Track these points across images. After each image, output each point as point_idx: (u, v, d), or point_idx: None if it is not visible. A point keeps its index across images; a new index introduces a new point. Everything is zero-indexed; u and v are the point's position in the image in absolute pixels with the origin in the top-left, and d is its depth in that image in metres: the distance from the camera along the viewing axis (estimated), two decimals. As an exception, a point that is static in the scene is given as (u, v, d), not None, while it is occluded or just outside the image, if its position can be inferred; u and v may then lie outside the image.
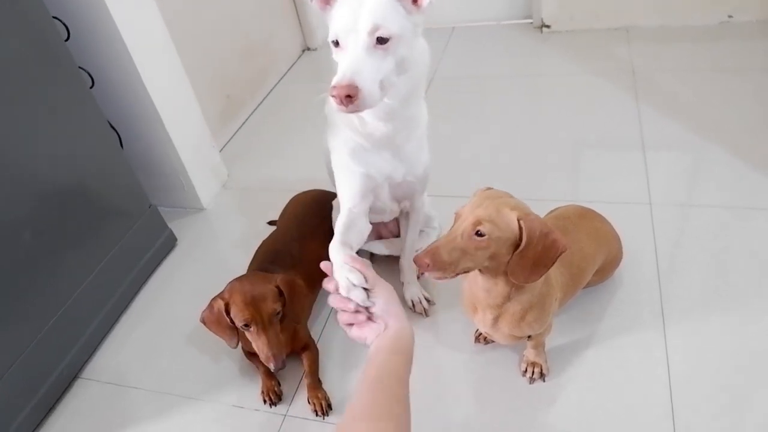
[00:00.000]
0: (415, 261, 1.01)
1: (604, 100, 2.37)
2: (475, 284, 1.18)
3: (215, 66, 2.47)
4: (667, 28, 2.77)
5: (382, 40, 1.02)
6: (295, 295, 1.39)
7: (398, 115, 1.20)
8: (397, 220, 1.70)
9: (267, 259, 1.57)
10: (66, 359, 1.57)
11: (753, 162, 1.89)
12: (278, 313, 1.34)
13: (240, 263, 1.66)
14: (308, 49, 3.28)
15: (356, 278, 0.98)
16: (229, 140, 2.58)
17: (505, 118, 2.40)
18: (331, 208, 1.70)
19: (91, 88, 1.74)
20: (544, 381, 1.38)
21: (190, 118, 2.07)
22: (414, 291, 1.62)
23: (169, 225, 2.00)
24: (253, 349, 1.43)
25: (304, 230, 1.66)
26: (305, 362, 1.46)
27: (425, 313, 1.60)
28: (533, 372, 1.38)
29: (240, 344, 1.41)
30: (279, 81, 3.01)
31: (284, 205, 1.81)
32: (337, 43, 1.05)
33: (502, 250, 1.02)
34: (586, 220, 1.45)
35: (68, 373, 1.59)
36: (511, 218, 1.00)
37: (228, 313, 1.33)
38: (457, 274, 1.05)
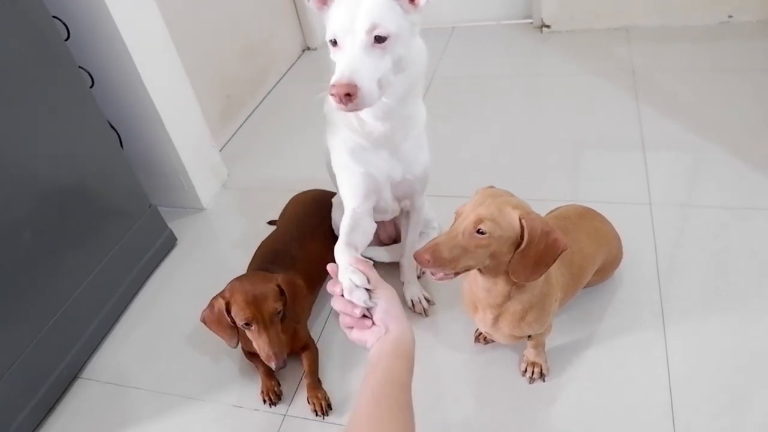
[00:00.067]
0: (415, 257, 1.01)
1: (604, 100, 2.37)
2: (476, 284, 1.18)
3: (215, 66, 2.47)
4: (667, 28, 2.77)
5: (379, 39, 1.02)
6: (295, 294, 1.39)
7: (396, 114, 1.20)
8: (396, 225, 1.70)
9: (267, 259, 1.57)
10: (66, 359, 1.57)
11: (753, 162, 1.89)
12: (279, 313, 1.34)
13: (240, 263, 1.66)
14: (308, 48, 3.28)
15: (359, 279, 0.98)
16: (229, 140, 2.58)
17: (505, 118, 2.40)
18: (331, 208, 1.70)
19: (91, 87, 1.74)
20: (544, 381, 1.38)
21: (190, 118, 2.07)
22: (414, 291, 1.62)
23: (169, 225, 2.00)
24: (253, 348, 1.43)
25: (304, 230, 1.66)
26: (305, 362, 1.46)
27: (425, 312, 1.60)
28: (533, 372, 1.38)
29: (240, 344, 1.41)
30: (279, 81, 3.01)
31: (284, 205, 1.81)
32: (335, 43, 1.06)
33: (503, 249, 1.02)
34: (586, 219, 1.45)
35: (68, 373, 1.59)
36: (513, 217, 1.01)
37: (229, 312, 1.33)
38: (457, 274, 1.05)
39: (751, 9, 2.65)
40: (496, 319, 1.20)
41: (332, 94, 0.99)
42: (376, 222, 1.39)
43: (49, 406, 1.53)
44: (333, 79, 1.00)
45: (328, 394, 1.43)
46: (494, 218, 0.99)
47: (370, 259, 1.70)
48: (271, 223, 1.92)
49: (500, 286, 1.12)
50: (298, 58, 3.21)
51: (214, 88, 2.46)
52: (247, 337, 1.38)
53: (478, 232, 0.99)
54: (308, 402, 1.41)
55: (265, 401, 1.44)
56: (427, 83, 2.65)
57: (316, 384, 1.43)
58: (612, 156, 2.06)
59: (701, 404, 1.28)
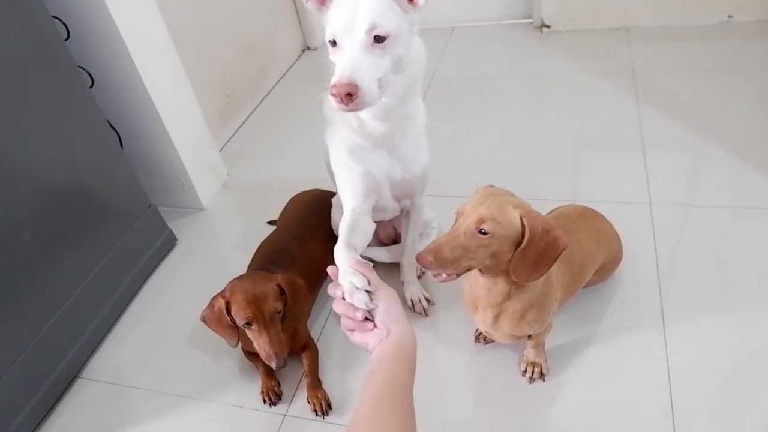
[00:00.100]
0: (417, 259, 1.01)
1: (604, 100, 2.37)
2: (476, 283, 1.18)
3: (215, 66, 2.47)
4: (667, 28, 2.77)
5: (379, 39, 1.02)
6: (295, 294, 1.39)
7: (395, 114, 1.20)
8: (394, 226, 1.70)
9: (267, 259, 1.57)
10: (66, 359, 1.57)
11: (753, 162, 1.89)
12: (279, 312, 1.34)
13: (240, 263, 1.66)
14: (308, 48, 3.28)
15: (359, 281, 0.98)
16: (229, 140, 2.58)
17: (505, 118, 2.40)
18: (330, 207, 1.70)
19: (90, 87, 1.74)
20: (543, 381, 1.38)
21: (190, 118, 2.07)
22: (414, 290, 1.62)
23: (169, 225, 2.00)
24: (253, 348, 1.43)
25: (304, 230, 1.66)
26: (305, 362, 1.46)
27: (425, 312, 1.60)
28: (533, 372, 1.38)
29: (240, 344, 1.41)
30: (279, 80, 3.01)
31: (284, 205, 1.81)
32: (334, 43, 1.06)
33: (504, 248, 1.02)
34: (586, 219, 1.45)
35: (68, 372, 1.59)
36: (514, 216, 1.01)
37: (229, 311, 1.33)
38: (459, 275, 1.05)
39: (751, 9, 2.65)
40: (496, 319, 1.20)
41: (333, 95, 1.00)
42: (375, 222, 1.40)
43: (48, 406, 1.53)
44: (333, 79, 1.00)
45: (328, 394, 1.43)
46: (495, 218, 0.99)
47: (370, 259, 1.72)
48: (271, 222, 1.92)
49: (500, 285, 1.12)
50: (298, 57, 3.21)
51: (214, 87, 2.46)
52: (247, 337, 1.38)
53: (480, 232, 0.99)
54: (308, 402, 1.41)
55: (265, 401, 1.44)
56: (427, 83, 2.65)
57: (316, 384, 1.43)
58: (612, 156, 2.06)
59: (701, 404, 1.28)
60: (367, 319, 0.97)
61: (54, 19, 1.54)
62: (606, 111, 2.31)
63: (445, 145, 2.20)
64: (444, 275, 1.04)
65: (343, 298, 0.98)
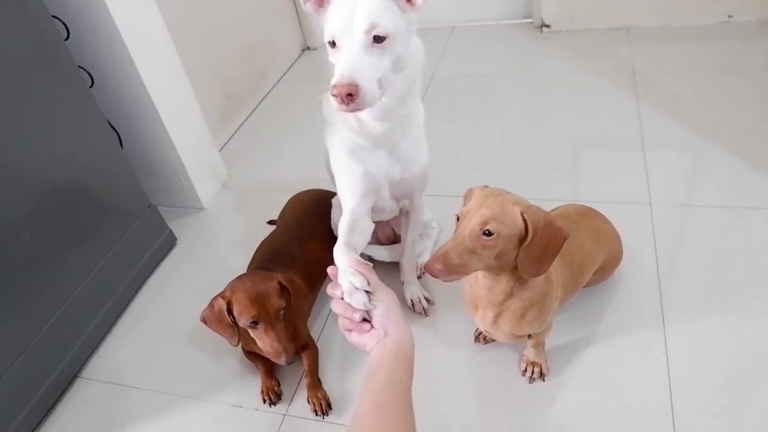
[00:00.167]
0: (426, 268, 1.01)
1: (604, 100, 2.37)
2: (476, 282, 1.18)
3: (215, 66, 2.47)
4: (667, 28, 2.77)
5: (378, 39, 1.02)
6: (295, 292, 1.39)
7: (395, 114, 1.21)
8: (393, 227, 1.70)
9: (266, 259, 1.57)
10: (66, 359, 1.57)
11: (753, 162, 1.89)
12: (283, 310, 1.34)
13: (240, 263, 1.66)
14: (308, 48, 3.29)
15: (358, 281, 0.98)
16: (229, 140, 2.58)
17: (505, 117, 2.40)
18: (330, 207, 1.70)
19: (90, 87, 1.74)
20: (543, 380, 1.38)
21: (190, 118, 2.07)
22: (414, 290, 1.62)
23: (169, 224, 2.00)
24: (253, 348, 1.43)
25: (303, 230, 1.66)
26: (305, 362, 1.46)
27: (425, 312, 1.60)
28: (533, 371, 1.38)
29: (240, 343, 1.41)
30: (279, 80, 3.01)
31: (284, 205, 1.81)
32: (333, 44, 1.06)
33: (509, 246, 1.02)
34: (586, 219, 1.45)
35: (68, 372, 1.59)
36: (516, 213, 1.01)
37: (230, 312, 1.33)
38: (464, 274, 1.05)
39: (751, 9, 2.65)
40: (497, 318, 1.20)
41: (333, 95, 1.00)
42: (374, 222, 1.40)
43: (48, 406, 1.53)
44: (334, 80, 1.00)
45: (328, 393, 1.43)
46: (498, 217, 0.99)
47: (370, 258, 1.72)
48: (270, 222, 1.92)
49: (503, 283, 1.12)
50: (298, 57, 3.21)
51: (214, 87, 2.46)
52: (247, 337, 1.38)
53: (485, 233, 0.99)
54: (308, 402, 1.41)
55: (265, 401, 1.44)
56: (426, 83, 2.65)
57: (316, 384, 1.43)
58: (612, 156, 2.06)
59: (701, 404, 1.28)
60: (364, 320, 0.97)
61: (54, 18, 1.54)
62: (606, 111, 2.31)
63: (444, 145, 2.20)
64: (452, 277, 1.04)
65: (342, 298, 0.98)
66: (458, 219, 1.04)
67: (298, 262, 1.55)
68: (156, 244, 1.92)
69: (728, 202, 1.76)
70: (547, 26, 2.95)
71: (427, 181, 1.45)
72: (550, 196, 1.84)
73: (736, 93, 2.26)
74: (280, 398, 1.45)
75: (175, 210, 2.16)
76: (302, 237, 1.63)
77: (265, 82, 2.91)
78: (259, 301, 1.31)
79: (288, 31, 3.11)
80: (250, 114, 2.75)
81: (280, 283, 1.36)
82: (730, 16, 2.69)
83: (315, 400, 1.40)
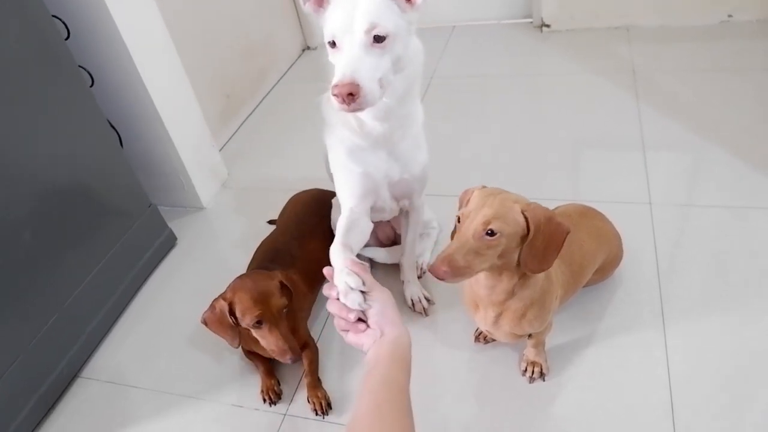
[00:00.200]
0: (432, 271, 1.01)
1: (605, 99, 2.37)
2: (477, 282, 1.18)
3: (215, 66, 2.47)
4: (667, 28, 2.77)
5: (378, 39, 1.02)
6: (295, 291, 1.39)
7: (395, 114, 1.21)
8: (393, 227, 1.70)
9: (266, 258, 1.57)
10: (66, 358, 1.57)
11: (753, 162, 1.89)
12: (285, 308, 1.34)
13: (240, 262, 1.66)
14: (308, 48, 3.28)
15: (354, 281, 0.98)
16: (229, 139, 2.58)
17: (506, 117, 2.40)
18: (330, 207, 1.70)
19: (90, 87, 1.74)
20: (543, 380, 1.38)
21: (190, 118, 2.07)
22: (414, 290, 1.62)
23: (169, 224, 2.00)
24: (252, 348, 1.43)
25: (303, 229, 1.66)
26: (305, 361, 1.46)
27: (425, 312, 1.60)
28: (533, 371, 1.38)
29: (240, 343, 1.41)
30: (279, 80, 3.01)
31: (284, 205, 1.81)
32: (333, 44, 1.06)
33: (512, 245, 1.03)
34: (586, 218, 1.45)
35: (68, 372, 1.59)
36: (516, 211, 1.01)
37: (232, 313, 1.33)
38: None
39: (751, 8, 2.65)
40: (498, 318, 1.20)
41: (335, 95, 1.00)
42: (374, 222, 1.40)
43: (48, 405, 1.53)
44: (334, 80, 1.00)
45: (328, 393, 1.43)
46: (500, 216, 1.00)
47: (369, 259, 1.72)
48: (271, 222, 1.92)
49: (504, 283, 1.12)
50: (298, 57, 3.21)
51: (214, 87, 2.46)
52: (247, 337, 1.38)
53: (488, 233, 0.99)
54: (308, 401, 1.41)
55: (264, 400, 1.44)
56: (426, 82, 2.65)
57: (315, 383, 1.43)
58: (612, 155, 2.06)
59: (701, 404, 1.28)
60: (360, 320, 0.97)
61: (54, 18, 1.54)
62: (606, 110, 2.31)
63: (444, 145, 2.20)
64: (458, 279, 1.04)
65: (338, 299, 0.99)
66: (459, 221, 1.05)
67: (297, 262, 1.55)
68: (156, 244, 1.92)
69: (728, 202, 1.76)
70: (547, 26, 2.95)
71: (426, 181, 1.45)
72: (550, 196, 1.83)
73: (736, 93, 2.26)
74: (280, 398, 1.45)
75: (175, 210, 2.16)
76: (302, 237, 1.63)
77: (265, 82, 2.91)
78: (261, 300, 1.31)
79: (288, 31, 3.11)
80: (250, 114, 2.75)
81: (281, 282, 1.36)
82: (730, 16, 2.69)
83: (315, 400, 1.40)
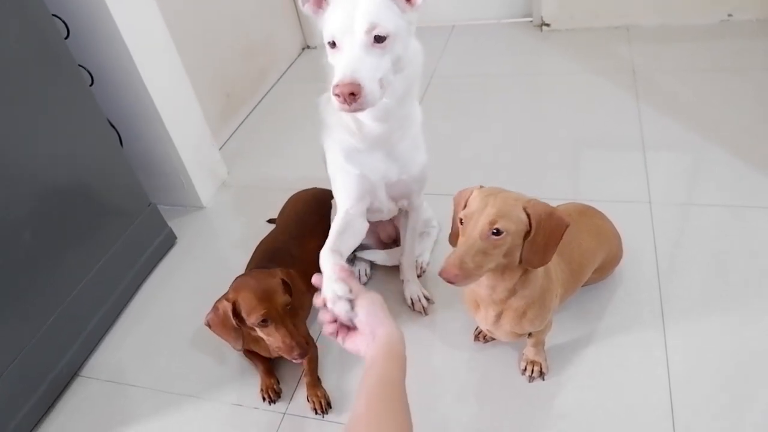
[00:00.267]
0: (443, 276, 1.01)
1: (605, 99, 2.37)
2: (478, 282, 1.17)
3: (215, 65, 2.47)
4: (667, 27, 2.77)
5: (379, 39, 1.02)
6: (294, 288, 1.39)
7: (394, 115, 1.21)
8: (395, 225, 1.70)
9: (266, 258, 1.57)
10: (65, 357, 1.57)
11: (753, 162, 1.89)
12: (288, 305, 1.34)
13: (239, 261, 1.66)
14: (308, 47, 3.28)
15: (341, 289, 0.99)
16: (229, 138, 2.58)
17: (506, 116, 2.40)
18: (330, 206, 1.70)
19: (90, 86, 1.73)
20: (543, 380, 1.38)
21: (190, 117, 2.07)
22: (414, 289, 1.62)
23: (169, 223, 2.00)
24: (252, 347, 1.43)
25: (303, 229, 1.66)
26: (304, 360, 1.46)
27: (424, 311, 1.60)
28: (533, 370, 1.38)
29: (243, 345, 1.40)
30: (279, 79, 3.01)
31: (284, 204, 1.81)
32: (333, 45, 1.06)
33: (516, 243, 1.03)
34: (586, 217, 1.45)
35: (68, 371, 1.59)
36: (519, 209, 1.02)
37: (235, 313, 1.32)
38: None
39: (751, 8, 2.65)
40: (498, 317, 1.20)
41: (336, 94, 1.00)
42: (374, 222, 1.40)
43: (48, 404, 1.53)
44: (335, 79, 1.00)
45: (328, 392, 1.43)
46: (505, 215, 1.00)
47: (370, 261, 1.72)
48: (270, 221, 1.92)
49: (506, 281, 1.12)
50: (298, 56, 3.21)
51: (214, 86, 2.46)
52: (247, 336, 1.38)
53: (495, 233, 0.99)
54: (308, 400, 1.42)
55: (264, 399, 1.44)
56: (426, 82, 2.65)
57: (315, 382, 1.44)
58: (612, 155, 2.06)
59: (701, 404, 1.28)
60: (345, 325, 0.99)
61: (54, 17, 1.54)
62: (606, 110, 2.31)
63: (445, 144, 2.20)
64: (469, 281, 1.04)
65: (325, 306, 1.00)
66: (461, 222, 1.05)
67: (297, 262, 1.55)
68: (156, 243, 1.92)
69: (728, 202, 1.76)
70: (547, 25, 2.95)
71: (425, 181, 1.45)
72: (550, 195, 1.82)
73: (736, 93, 2.26)
74: (279, 396, 1.45)
75: (175, 209, 2.16)
76: (302, 236, 1.63)
77: (265, 81, 2.90)
78: (266, 298, 1.30)
79: (288, 31, 3.11)
80: (250, 113, 2.75)
81: (282, 279, 1.36)
82: (730, 15, 2.69)
83: (315, 399, 1.40)
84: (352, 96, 0.99)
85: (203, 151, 2.15)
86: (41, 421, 1.50)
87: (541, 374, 1.38)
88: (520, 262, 1.07)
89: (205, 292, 1.40)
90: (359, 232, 1.37)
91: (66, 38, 1.66)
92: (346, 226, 1.31)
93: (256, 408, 1.45)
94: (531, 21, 3.06)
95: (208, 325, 1.36)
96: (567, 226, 1.05)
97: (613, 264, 1.52)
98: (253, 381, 1.49)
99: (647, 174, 1.92)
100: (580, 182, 1.97)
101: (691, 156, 1.98)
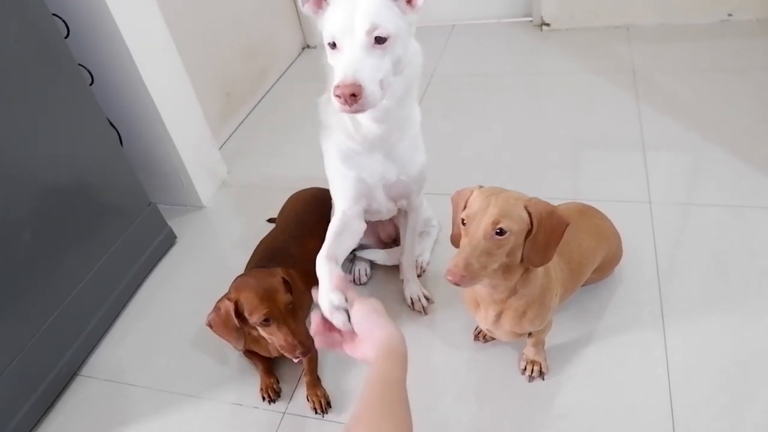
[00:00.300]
0: (449, 278, 1.00)
1: (605, 98, 2.37)
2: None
3: (216, 65, 2.47)
4: (667, 27, 2.77)
5: (379, 40, 1.02)
6: (295, 287, 1.39)
7: (393, 116, 1.21)
8: (395, 225, 1.70)
9: (265, 257, 1.57)
10: (65, 357, 1.57)
11: (753, 162, 1.89)
12: (290, 304, 1.34)
13: (239, 261, 1.66)
14: (308, 46, 3.28)
15: (337, 299, 1.00)
16: (229, 138, 2.58)
17: (506, 116, 2.40)
18: (330, 206, 1.69)
19: (90, 85, 1.73)
20: (543, 379, 1.38)
21: (190, 117, 2.07)
22: (413, 289, 1.62)
23: (169, 223, 2.00)
24: (252, 347, 1.43)
25: (303, 228, 1.66)
26: (304, 360, 1.46)
27: (424, 311, 1.60)
28: (533, 370, 1.38)
29: (244, 345, 1.40)
30: (279, 78, 3.01)
31: (284, 203, 1.80)
32: (333, 46, 1.05)
33: (518, 242, 1.04)
34: (586, 217, 1.45)
35: (67, 370, 1.58)
36: (521, 208, 1.02)
37: (238, 313, 1.32)
38: None
39: (751, 7, 2.65)
40: (499, 316, 1.20)
41: (337, 95, 0.99)
42: (373, 221, 1.40)
43: (48, 404, 1.53)
44: (337, 80, 1.00)
45: (327, 391, 1.43)
46: (507, 214, 1.00)
47: (369, 261, 1.72)
48: (270, 220, 1.92)
49: (507, 281, 1.12)
50: (298, 56, 3.21)
51: (214, 86, 2.46)
52: (249, 336, 1.37)
53: (497, 232, 0.99)
54: (308, 400, 1.42)
55: (264, 399, 1.44)
56: (426, 81, 2.65)
57: (315, 382, 1.44)
58: (612, 154, 2.06)
59: (701, 404, 1.28)
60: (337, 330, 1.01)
61: (54, 16, 1.54)
62: (606, 110, 2.31)
63: (445, 144, 2.20)
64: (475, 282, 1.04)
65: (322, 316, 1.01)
66: (463, 223, 1.04)
67: (296, 261, 1.55)
68: (155, 243, 1.92)
69: (728, 202, 1.76)
70: (547, 25, 2.95)
71: (424, 181, 1.45)
72: (550, 194, 1.81)
73: (736, 93, 2.26)
74: (279, 396, 1.45)
75: (175, 208, 2.16)
76: (302, 236, 1.63)
77: (265, 81, 2.90)
78: (268, 297, 1.30)
79: (288, 30, 3.11)
80: (250, 112, 2.75)
81: (283, 278, 1.36)
82: (730, 15, 2.69)
83: (314, 398, 1.40)
84: (353, 97, 0.99)
85: (203, 151, 2.15)
86: (41, 421, 1.50)
87: (541, 374, 1.38)
88: (522, 261, 1.07)
89: (204, 292, 1.40)
90: (356, 232, 1.38)
91: (66, 37, 1.66)
92: (343, 227, 1.32)
93: (255, 407, 1.45)
94: (531, 20, 3.06)
95: (210, 325, 1.36)
96: (567, 225, 1.06)
97: (612, 264, 1.52)
98: (253, 380, 1.49)
99: (647, 174, 1.92)
100: (580, 182, 1.97)
101: (691, 156, 1.98)
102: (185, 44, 2.06)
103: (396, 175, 1.34)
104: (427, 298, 1.62)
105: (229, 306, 1.31)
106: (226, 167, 2.31)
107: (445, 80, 2.69)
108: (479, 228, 1.00)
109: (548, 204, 1.05)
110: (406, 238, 1.58)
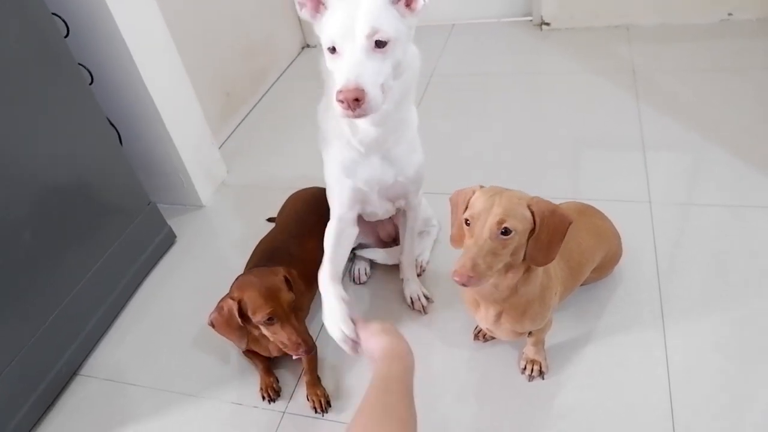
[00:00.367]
0: (456, 279, 1.00)
1: (605, 98, 2.37)
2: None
3: (215, 65, 2.47)
4: (667, 27, 2.77)
5: (380, 44, 1.02)
6: (296, 286, 1.39)
7: (391, 119, 1.21)
8: (395, 224, 1.70)
9: (265, 257, 1.57)
10: (65, 356, 1.57)
11: (753, 162, 1.89)
12: (292, 302, 1.34)
13: (239, 260, 1.66)
14: (308, 46, 3.28)
15: (348, 329, 1.12)
16: (229, 137, 2.57)
17: (506, 115, 2.40)
18: (329, 206, 1.70)
19: (90, 85, 1.73)
20: (543, 379, 1.38)
21: (190, 117, 2.07)
22: (413, 288, 1.62)
23: (169, 222, 1.99)
24: (251, 346, 1.43)
25: (302, 228, 1.65)
26: (304, 359, 1.46)
27: (424, 310, 1.60)
28: (532, 370, 1.38)
29: (246, 344, 1.40)
30: (278, 78, 3.01)
31: (283, 202, 1.80)
32: (333, 50, 1.05)
33: (522, 241, 1.04)
34: (586, 216, 1.45)
35: (67, 370, 1.58)
36: (524, 207, 1.02)
37: (241, 312, 1.32)
38: None
39: (751, 7, 2.65)
40: (498, 316, 1.20)
41: (339, 100, 0.99)
42: (372, 221, 1.41)
43: (47, 403, 1.53)
44: (339, 85, 0.99)
45: (327, 391, 1.43)
46: (511, 214, 1.00)
47: (369, 260, 1.72)
48: (270, 220, 1.92)
49: (509, 279, 1.12)
50: (298, 55, 3.21)
51: (214, 86, 2.46)
52: (249, 336, 1.37)
53: (502, 232, 1.00)
54: (307, 399, 1.42)
55: (264, 398, 1.44)
56: (426, 81, 2.64)
57: (315, 381, 1.44)
58: (612, 154, 2.06)
59: (701, 404, 1.28)
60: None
61: (54, 16, 1.54)
62: (606, 109, 2.31)
63: (444, 143, 2.20)
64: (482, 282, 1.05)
65: None
66: (467, 223, 1.04)
67: (296, 261, 1.54)
68: (155, 242, 1.92)
69: (728, 202, 1.76)
70: (547, 24, 2.95)
71: (421, 182, 1.45)
72: (550, 194, 1.80)
73: (736, 92, 2.26)
74: (279, 395, 1.45)
75: (175, 207, 2.16)
76: (301, 235, 1.63)
77: (265, 81, 2.90)
78: (271, 296, 1.30)
79: (288, 30, 3.11)
80: (250, 112, 2.75)
81: (284, 277, 1.36)
82: (730, 15, 2.69)
83: (314, 398, 1.40)
84: (356, 102, 0.98)
85: (203, 151, 2.15)
86: (41, 420, 1.50)
87: (541, 373, 1.38)
88: (524, 260, 1.07)
89: (204, 291, 1.40)
90: (351, 237, 1.42)
91: (66, 37, 1.66)
92: (340, 234, 1.36)
93: (255, 407, 1.45)
94: (531, 20, 3.06)
95: (212, 324, 1.36)
96: (570, 223, 1.06)
97: (612, 263, 1.52)
98: (253, 380, 1.49)
99: (647, 174, 1.92)
100: (580, 181, 1.97)
101: (691, 156, 1.98)
102: (185, 44, 2.06)
103: (393, 177, 1.34)
104: (426, 298, 1.62)
105: (233, 305, 1.31)
106: (226, 167, 2.31)
107: (444, 80, 2.69)
108: (485, 228, 1.00)
109: (550, 203, 1.05)
110: (406, 238, 1.58)
